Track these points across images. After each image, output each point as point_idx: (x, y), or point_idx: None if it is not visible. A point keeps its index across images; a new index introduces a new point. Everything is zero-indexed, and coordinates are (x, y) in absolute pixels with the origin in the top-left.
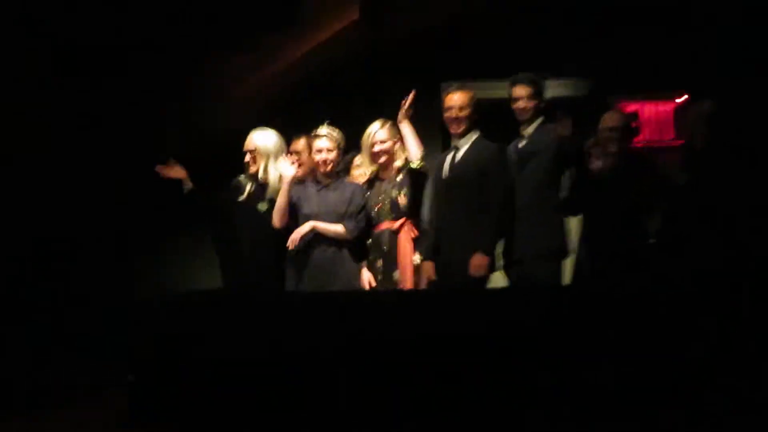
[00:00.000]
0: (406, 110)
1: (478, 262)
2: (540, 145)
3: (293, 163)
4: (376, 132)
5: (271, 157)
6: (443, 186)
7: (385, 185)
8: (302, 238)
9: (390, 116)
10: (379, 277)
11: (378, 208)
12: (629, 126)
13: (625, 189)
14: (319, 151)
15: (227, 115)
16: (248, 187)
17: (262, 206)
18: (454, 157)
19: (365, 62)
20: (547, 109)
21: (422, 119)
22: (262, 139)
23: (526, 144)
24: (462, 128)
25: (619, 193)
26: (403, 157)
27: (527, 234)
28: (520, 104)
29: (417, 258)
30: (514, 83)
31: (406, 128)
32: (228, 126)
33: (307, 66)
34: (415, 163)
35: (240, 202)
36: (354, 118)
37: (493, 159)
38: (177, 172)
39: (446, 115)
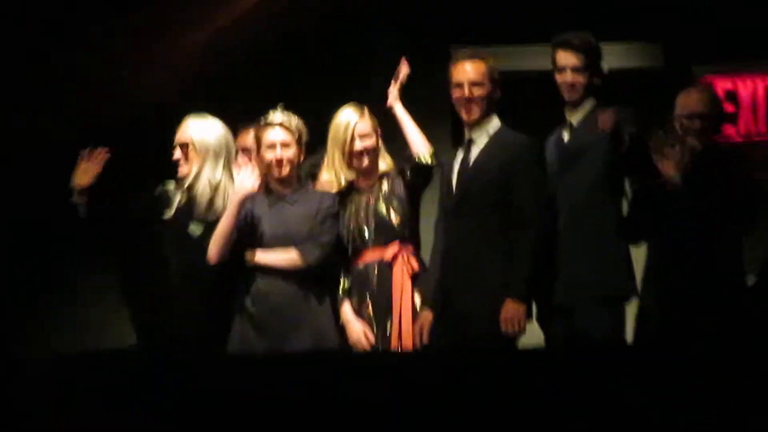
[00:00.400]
0: (398, 88)
1: (511, 313)
2: (593, 139)
3: (251, 169)
4: (356, 123)
5: (210, 157)
6: (453, 198)
7: (366, 198)
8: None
9: (369, 99)
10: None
11: (359, 231)
12: (720, 111)
13: (711, 203)
14: (271, 146)
15: (145, 89)
16: (177, 199)
17: (196, 228)
18: (466, 155)
19: (332, 18)
20: (603, 88)
21: (419, 102)
22: (201, 130)
23: (574, 137)
24: (477, 114)
25: (702, 208)
26: (388, 158)
27: (575, 268)
28: (567, 77)
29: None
30: (557, 46)
31: (401, 112)
32: (146, 108)
33: (254, 26)
34: (425, 158)
35: (165, 220)
36: (318, 101)
37: (523, 157)
38: (92, 169)
39: (455, 95)
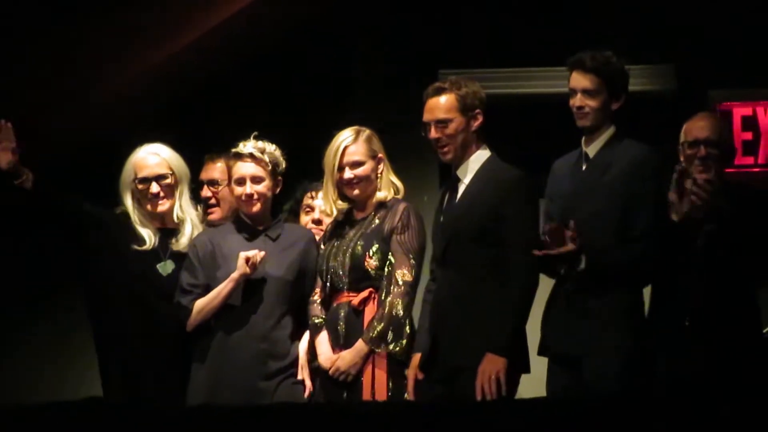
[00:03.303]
0: None
1: (488, 367)
2: (612, 173)
3: (252, 257)
4: (344, 147)
5: (185, 188)
6: (440, 245)
7: (355, 232)
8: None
9: (365, 123)
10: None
11: (334, 270)
12: (729, 140)
13: (729, 246)
14: (241, 181)
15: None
16: (151, 236)
17: (165, 267)
18: (452, 195)
19: (311, 40)
20: (621, 114)
21: (406, 134)
22: (176, 158)
23: (590, 169)
24: (450, 154)
25: (719, 253)
26: (391, 188)
27: (584, 322)
28: (576, 101)
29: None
30: (570, 67)
31: None
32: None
33: (217, 47)
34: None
35: (139, 251)
36: (303, 130)
37: (511, 195)
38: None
39: (430, 135)
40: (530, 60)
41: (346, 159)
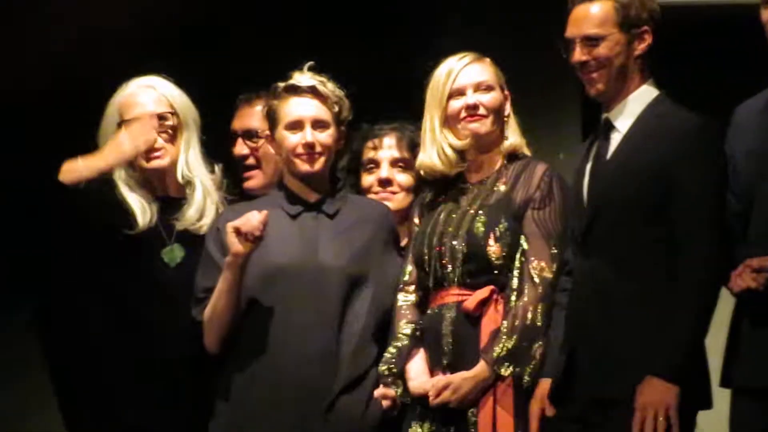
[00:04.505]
0: None
1: (652, 397)
2: None
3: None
4: (469, 64)
5: (194, 138)
6: (582, 221)
7: (468, 201)
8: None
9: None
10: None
11: (439, 255)
12: None
13: None
14: (297, 125)
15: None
16: (146, 209)
17: (173, 255)
18: (602, 149)
19: None
20: None
21: (534, 72)
22: (181, 96)
23: None
24: (602, 83)
25: None
26: (518, 136)
27: None
28: None
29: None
30: None
31: None
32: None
33: None
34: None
35: (129, 235)
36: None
37: (691, 147)
38: None
39: (574, 56)
40: None
41: (469, 79)
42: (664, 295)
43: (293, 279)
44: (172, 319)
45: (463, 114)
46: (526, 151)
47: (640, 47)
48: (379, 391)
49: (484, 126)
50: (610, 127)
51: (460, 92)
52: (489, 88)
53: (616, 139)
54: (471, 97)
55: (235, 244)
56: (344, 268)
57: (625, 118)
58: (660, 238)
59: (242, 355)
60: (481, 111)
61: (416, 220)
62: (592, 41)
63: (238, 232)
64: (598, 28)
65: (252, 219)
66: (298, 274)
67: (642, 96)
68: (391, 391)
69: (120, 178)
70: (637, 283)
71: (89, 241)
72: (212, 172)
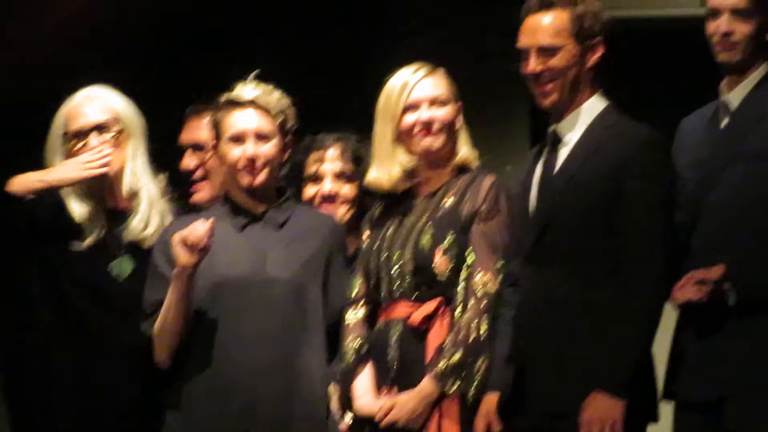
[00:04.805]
0: None
1: (600, 412)
2: (766, 126)
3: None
4: (424, 77)
5: (141, 147)
6: (530, 232)
7: (416, 217)
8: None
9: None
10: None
11: (386, 269)
12: None
13: None
14: (239, 137)
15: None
16: (95, 221)
17: (122, 267)
18: (550, 160)
19: None
20: None
21: (481, 80)
22: (126, 104)
23: (736, 124)
24: (555, 93)
25: None
26: (469, 149)
27: (727, 355)
28: (721, 25)
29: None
30: None
31: None
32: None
33: None
34: None
35: (75, 253)
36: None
37: (640, 159)
38: None
39: (528, 66)
40: None
41: (424, 94)
42: (609, 308)
43: (242, 291)
44: (123, 332)
45: (416, 129)
46: (475, 163)
47: (593, 59)
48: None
49: (437, 142)
50: (557, 138)
51: (414, 106)
52: (443, 103)
53: (564, 151)
54: (425, 113)
55: (182, 255)
56: (293, 279)
57: (573, 129)
58: (609, 249)
59: (192, 367)
60: (435, 127)
61: (366, 234)
62: (547, 52)
63: (184, 242)
64: (553, 39)
65: (197, 229)
66: (246, 286)
67: (591, 107)
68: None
69: (68, 189)
70: (588, 294)
71: (39, 254)
72: (158, 180)
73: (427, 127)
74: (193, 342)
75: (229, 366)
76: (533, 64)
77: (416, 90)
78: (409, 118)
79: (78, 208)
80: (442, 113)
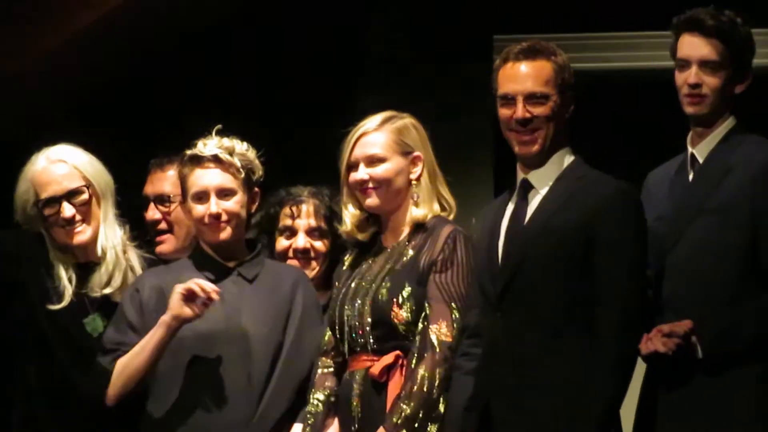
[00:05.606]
0: None
1: None
2: (732, 180)
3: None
4: (365, 134)
5: (109, 206)
6: (497, 279)
7: (380, 266)
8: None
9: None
10: None
11: (347, 320)
12: None
13: None
14: (201, 196)
15: None
16: (72, 278)
17: (95, 324)
18: (520, 208)
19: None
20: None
21: (451, 120)
22: (93, 165)
23: (702, 178)
24: (540, 142)
25: None
26: (432, 203)
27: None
28: (690, 76)
29: None
30: (680, 30)
31: None
32: None
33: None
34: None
35: (53, 312)
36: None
37: (611, 209)
38: None
39: (502, 111)
40: (614, 24)
41: (360, 153)
42: (580, 356)
43: (218, 344)
44: (98, 386)
45: (355, 187)
46: (444, 213)
47: (569, 110)
48: None
49: (376, 199)
50: (528, 187)
51: (353, 165)
52: (380, 161)
53: (535, 200)
54: (360, 172)
55: (182, 308)
56: (268, 333)
57: (544, 179)
58: (578, 298)
59: (167, 420)
60: (371, 185)
61: (336, 286)
62: (538, 99)
63: (188, 294)
64: (543, 87)
65: (206, 284)
66: (223, 340)
67: (560, 159)
68: None
69: (50, 246)
70: (556, 343)
71: (21, 311)
72: (123, 231)
73: (363, 185)
74: (168, 395)
75: (204, 420)
76: (522, 111)
77: (356, 149)
78: (353, 176)
79: (59, 266)
80: (380, 171)
